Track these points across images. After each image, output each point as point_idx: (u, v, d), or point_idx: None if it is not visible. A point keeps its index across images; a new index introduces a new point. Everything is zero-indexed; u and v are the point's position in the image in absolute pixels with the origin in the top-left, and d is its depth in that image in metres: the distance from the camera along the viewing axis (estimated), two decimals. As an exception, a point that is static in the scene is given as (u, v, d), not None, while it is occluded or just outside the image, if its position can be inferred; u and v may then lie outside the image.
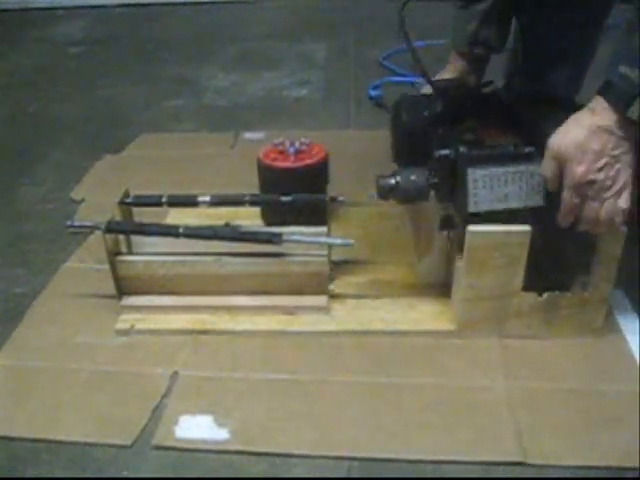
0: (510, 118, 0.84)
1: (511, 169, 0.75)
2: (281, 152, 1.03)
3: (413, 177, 0.80)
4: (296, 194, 0.93)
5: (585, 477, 0.68)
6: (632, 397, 0.76)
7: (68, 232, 0.94)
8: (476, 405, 0.76)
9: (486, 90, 0.97)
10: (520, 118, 0.83)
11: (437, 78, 1.03)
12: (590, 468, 0.68)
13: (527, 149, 0.75)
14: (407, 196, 0.81)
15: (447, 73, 1.02)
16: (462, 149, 0.76)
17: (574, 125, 0.70)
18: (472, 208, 0.76)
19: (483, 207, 0.76)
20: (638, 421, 0.72)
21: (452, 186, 0.78)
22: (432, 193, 0.81)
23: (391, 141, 1.00)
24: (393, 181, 0.81)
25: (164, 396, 0.79)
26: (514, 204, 0.76)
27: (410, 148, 0.94)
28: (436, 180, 0.79)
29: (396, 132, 0.97)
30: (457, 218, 0.82)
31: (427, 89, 0.97)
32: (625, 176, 0.70)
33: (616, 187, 0.70)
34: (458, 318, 0.85)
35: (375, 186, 0.82)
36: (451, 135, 0.81)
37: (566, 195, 0.72)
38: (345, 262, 0.98)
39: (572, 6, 0.96)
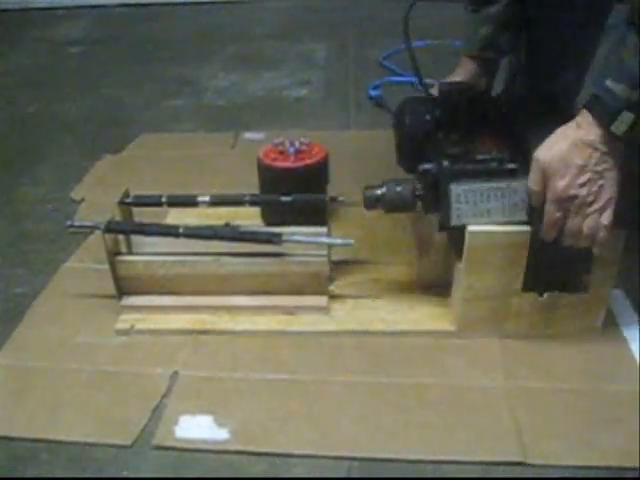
0: (505, 126, 0.85)
1: (493, 185, 0.76)
2: (281, 152, 1.03)
3: (399, 188, 0.82)
4: (296, 194, 0.94)
5: (585, 477, 0.68)
6: (632, 397, 0.76)
7: (68, 232, 0.94)
8: (476, 405, 0.76)
9: (489, 94, 0.97)
10: (514, 127, 0.84)
11: (447, 81, 1.03)
12: (590, 468, 0.68)
13: (510, 165, 0.77)
14: (393, 206, 0.83)
15: (458, 76, 1.02)
16: (445, 163, 0.77)
17: (559, 138, 0.71)
18: (455, 221, 0.78)
19: (465, 221, 0.78)
20: (638, 421, 0.72)
21: (436, 199, 0.80)
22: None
23: (395, 143, 1.00)
24: (379, 192, 0.82)
25: (164, 396, 0.79)
26: (497, 219, 0.77)
27: (412, 151, 0.95)
28: (421, 192, 0.81)
29: (399, 135, 0.98)
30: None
31: (435, 90, 0.98)
32: (609, 193, 0.70)
33: (599, 203, 0.70)
34: (458, 318, 0.85)
35: (362, 196, 0.83)
36: (439, 147, 0.82)
37: (549, 208, 0.72)
38: (345, 262, 0.98)
39: (572, 6, 0.96)
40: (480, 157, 0.79)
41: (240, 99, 1.72)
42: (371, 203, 0.83)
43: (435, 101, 0.91)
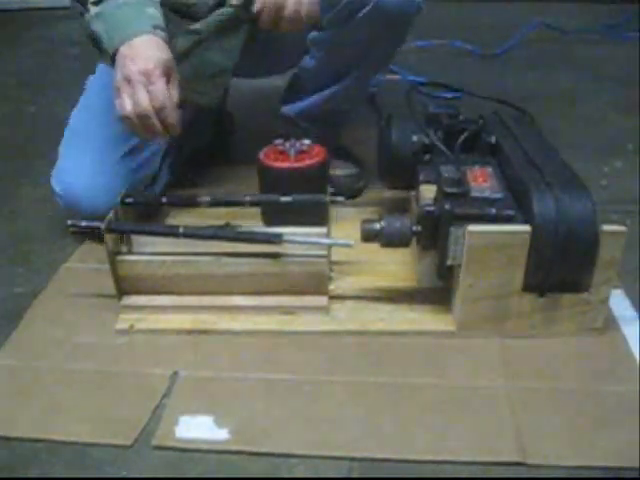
0: (493, 155, 0.90)
1: None
2: (281, 152, 1.03)
3: (397, 224, 0.83)
4: (296, 194, 0.94)
5: (585, 477, 0.68)
6: (632, 397, 0.76)
7: (69, 232, 0.94)
8: (476, 405, 0.76)
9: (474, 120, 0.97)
10: (504, 159, 0.88)
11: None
12: (590, 468, 0.68)
13: (508, 212, 0.78)
14: (390, 241, 0.83)
15: None
16: (447, 206, 0.78)
17: None
18: (450, 261, 0.80)
19: (460, 262, 0.79)
20: (638, 421, 0.72)
21: (434, 238, 0.81)
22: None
23: (378, 156, 1.01)
24: (378, 226, 0.83)
25: (164, 396, 0.79)
26: None
27: (396, 170, 0.96)
28: (419, 229, 0.82)
29: (383, 152, 0.99)
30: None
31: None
32: None
33: None
34: (458, 318, 0.85)
35: (360, 229, 0.84)
36: (435, 176, 0.84)
37: None
38: (345, 262, 0.98)
39: None
40: (477, 195, 0.81)
41: (240, 99, 1.71)
42: (369, 237, 0.84)
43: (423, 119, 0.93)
